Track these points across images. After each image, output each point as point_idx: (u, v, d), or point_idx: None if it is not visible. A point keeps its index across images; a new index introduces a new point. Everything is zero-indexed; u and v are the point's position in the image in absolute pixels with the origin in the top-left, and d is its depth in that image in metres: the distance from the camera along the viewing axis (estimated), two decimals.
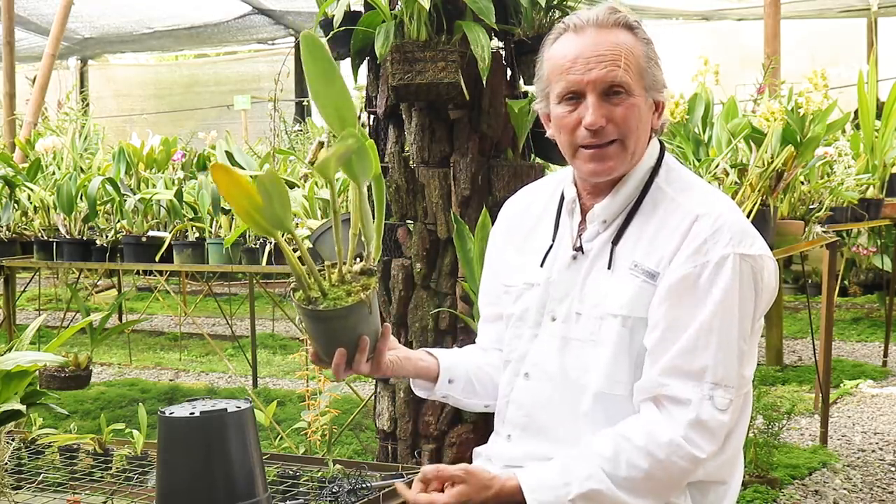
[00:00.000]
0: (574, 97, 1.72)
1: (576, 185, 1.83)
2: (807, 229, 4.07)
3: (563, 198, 1.86)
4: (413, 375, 1.89)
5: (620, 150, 1.72)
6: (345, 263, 1.67)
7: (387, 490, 1.99)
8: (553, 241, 1.83)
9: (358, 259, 1.69)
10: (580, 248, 1.78)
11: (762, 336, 6.10)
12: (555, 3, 2.95)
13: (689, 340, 1.63)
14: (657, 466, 1.61)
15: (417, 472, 1.69)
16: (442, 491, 1.64)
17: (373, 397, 3.17)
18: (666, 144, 1.88)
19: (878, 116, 5.32)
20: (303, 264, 1.61)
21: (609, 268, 1.73)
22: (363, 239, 1.68)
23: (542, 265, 1.82)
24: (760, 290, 1.69)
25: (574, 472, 1.62)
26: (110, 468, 2.73)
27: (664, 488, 1.65)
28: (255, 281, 5.99)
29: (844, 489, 3.87)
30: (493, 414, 1.95)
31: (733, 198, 3.44)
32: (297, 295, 1.64)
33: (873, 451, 4.40)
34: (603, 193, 1.78)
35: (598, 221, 1.77)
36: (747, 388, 1.73)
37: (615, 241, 1.74)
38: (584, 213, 1.81)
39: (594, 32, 1.72)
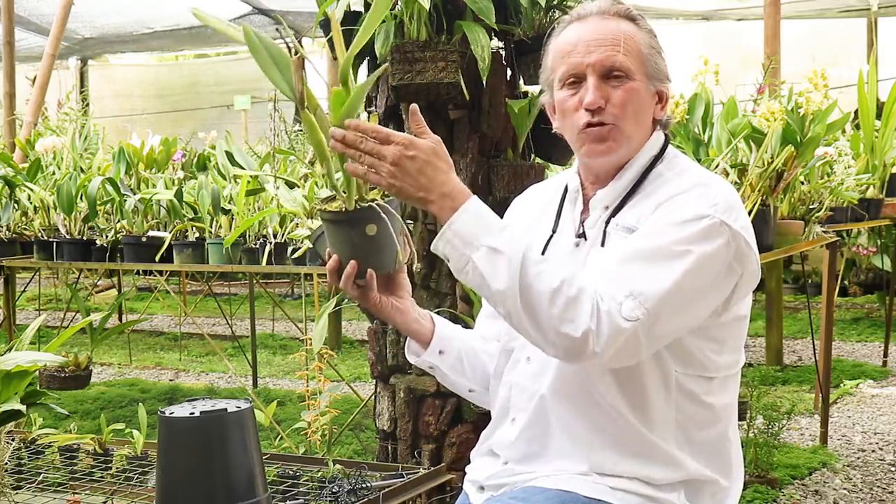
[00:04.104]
0: (576, 80, 1.76)
1: (579, 175, 1.86)
2: (807, 229, 4.06)
3: (566, 190, 1.89)
4: (405, 331, 1.87)
5: (618, 133, 1.75)
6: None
7: None
8: (554, 231, 1.86)
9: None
10: (583, 234, 1.81)
11: (762, 336, 6.14)
12: (555, 3, 2.96)
13: (628, 255, 1.65)
14: (555, 295, 1.59)
15: (417, 472, 1.68)
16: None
17: (373, 397, 3.17)
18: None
19: (878, 116, 5.31)
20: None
21: (602, 245, 1.76)
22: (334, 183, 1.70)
23: (542, 254, 1.83)
24: (737, 264, 1.67)
25: (509, 234, 1.62)
26: (110, 468, 2.74)
27: (540, 318, 1.60)
28: (255, 281, 6.00)
29: (844, 489, 3.87)
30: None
31: None
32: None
33: (873, 451, 4.40)
34: (606, 182, 1.81)
35: (600, 207, 1.80)
36: (730, 372, 1.76)
37: (608, 221, 1.77)
38: (586, 202, 1.84)
39: (597, 20, 1.78)
